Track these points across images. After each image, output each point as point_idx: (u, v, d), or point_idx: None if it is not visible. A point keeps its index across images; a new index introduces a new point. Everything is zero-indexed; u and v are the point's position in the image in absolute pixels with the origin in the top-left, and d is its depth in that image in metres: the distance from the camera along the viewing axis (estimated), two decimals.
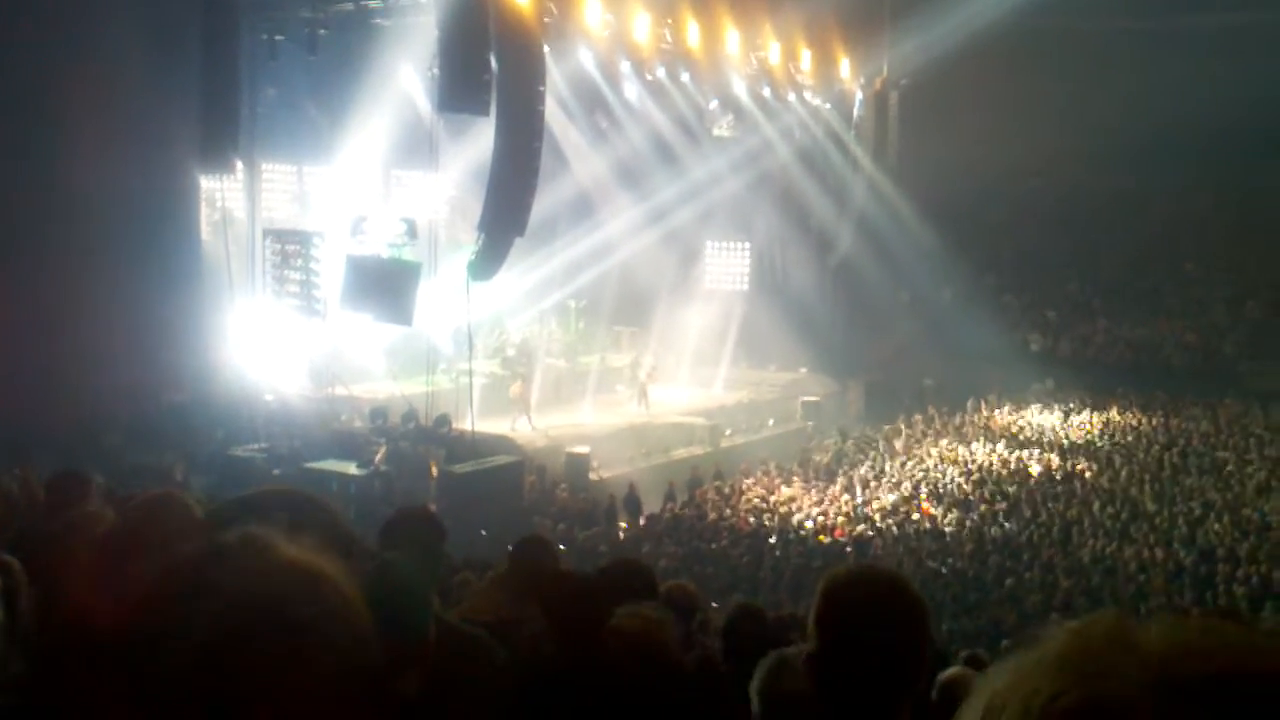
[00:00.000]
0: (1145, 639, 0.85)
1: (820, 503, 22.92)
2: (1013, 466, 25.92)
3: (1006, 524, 21.20)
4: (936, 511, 22.17)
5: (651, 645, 4.01)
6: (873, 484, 24.53)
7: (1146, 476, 24.35)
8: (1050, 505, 22.38)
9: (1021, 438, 29.22)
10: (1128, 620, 0.88)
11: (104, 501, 5.48)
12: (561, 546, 14.44)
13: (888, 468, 26.11)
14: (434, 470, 21.51)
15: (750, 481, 24.73)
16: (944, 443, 28.50)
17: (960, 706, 0.91)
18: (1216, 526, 20.52)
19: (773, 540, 20.00)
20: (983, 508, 22.25)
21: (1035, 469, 25.70)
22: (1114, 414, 31.54)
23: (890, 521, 21.60)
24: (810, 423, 31.51)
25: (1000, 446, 27.88)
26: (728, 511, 22.18)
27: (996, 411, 32.12)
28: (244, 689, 0.99)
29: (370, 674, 1.09)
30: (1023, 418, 31.52)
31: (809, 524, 21.20)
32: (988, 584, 17.60)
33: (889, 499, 23.19)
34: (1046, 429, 30.24)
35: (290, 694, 1.01)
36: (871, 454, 27.56)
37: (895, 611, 2.64)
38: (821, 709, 2.71)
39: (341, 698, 1.04)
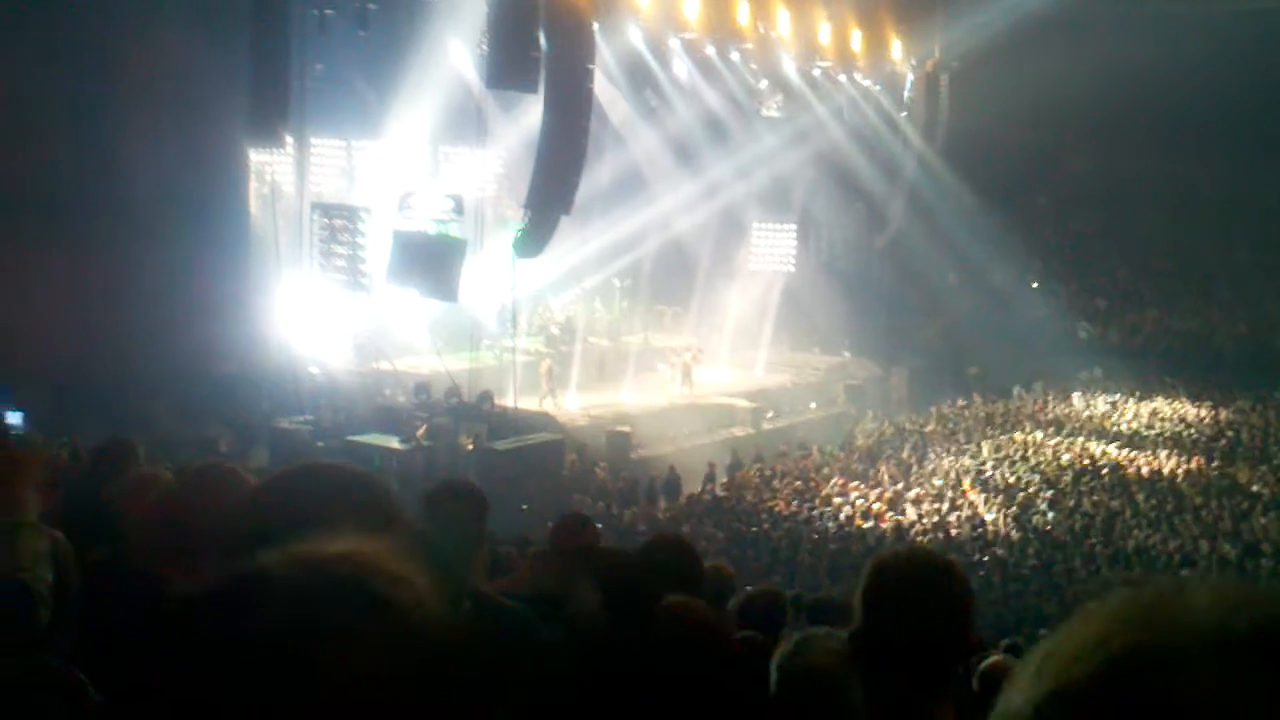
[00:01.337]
0: (1197, 596, 0.85)
1: (861, 488, 22.82)
2: (1056, 455, 25.71)
3: (1050, 513, 21.06)
4: (979, 499, 22.03)
5: (707, 626, 4.01)
6: (915, 470, 24.41)
7: (1193, 468, 24.10)
8: (1094, 495, 22.21)
9: (1068, 426, 28.97)
10: (1180, 581, 0.88)
11: (151, 469, 5.55)
12: (599, 525, 14.48)
13: (930, 453, 25.97)
14: (468, 445, 21.60)
15: (794, 465, 24.67)
16: (988, 430, 28.31)
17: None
18: (1262, 520, 20.30)
19: (813, 525, 19.96)
20: (1023, 495, 22.09)
21: (1074, 457, 25.48)
22: (1161, 404, 31.22)
23: (932, 507, 21.51)
24: (853, 407, 31.38)
25: (1046, 434, 27.66)
26: (768, 494, 22.16)
27: (1042, 400, 31.85)
28: (329, 659, 1.00)
29: (445, 650, 1.10)
30: (1070, 405, 31.25)
31: (849, 508, 21.13)
32: (1028, 573, 17.50)
33: (932, 485, 23.06)
34: (1095, 417, 29.97)
35: (369, 666, 1.02)
36: (913, 439, 27.43)
37: (940, 593, 2.65)
38: (850, 686, 2.72)
39: (417, 674, 1.05)
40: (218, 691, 0.99)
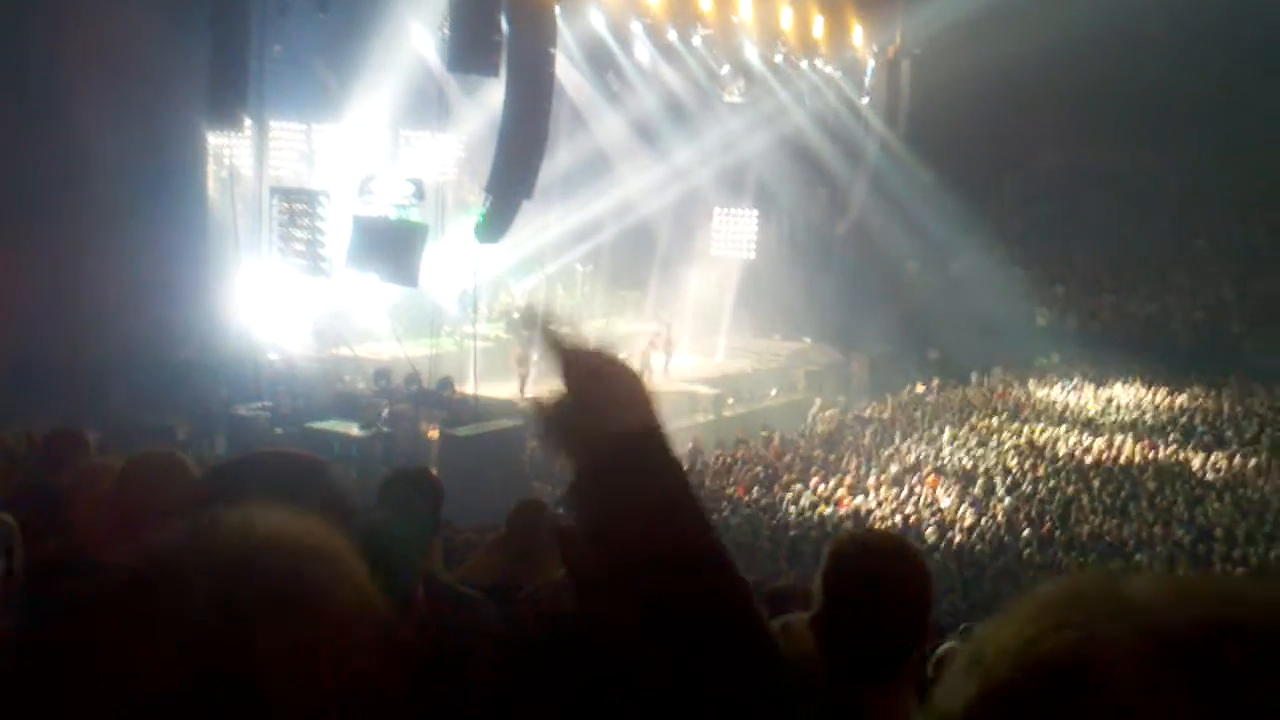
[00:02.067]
0: (1132, 590, 0.84)
1: (821, 474, 22.92)
2: (1014, 440, 25.91)
3: (1006, 499, 21.22)
4: (937, 485, 22.16)
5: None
6: (875, 456, 24.53)
7: (1148, 453, 24.37)
8: (1050, 481, 22.41)
9: (1025, 412, 29.22)
10: (1117, 574, 0.87)
11: (102, 459, 5.50)
12: (561, 510, 14.41)
13: (890, 440, 26.11)
14: (431, 435, 21.52)
15: (754, 452, 24.75)
16: (947, 416, 28.50)
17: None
18: (1216, 505, 20.55)
19: (772, 511, 20.04)
20: (981, 481, 22.26)
21: (1030, 443, 25.71)
22: (1118, 390, 31.52)
23: (891, 493, 21.63)
24: (814, 393, 31.49)
25: (1003, 420, 27.88)
26: (728, 481, 22.22)
27: (1000, 386, 32.11)
28: (255, 642, 0.98)
29: (379, 629, 1.09)
30: (1027, 391, 31.52)
31: (809, 495, 21.22)
32: (984, 559, 17.65)
33: (890, 471, 23.19)
34: (1053, 403, 30.24)
35: (304, 645, 1.00)
36: (873, 425, 27.58)
37: (899, 575, 2.70)
38: (820, 672, 2.73)
39: (351, 652, 1.04)
40: (124, 681, 0.97)
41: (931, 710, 0.88)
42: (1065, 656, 0.81)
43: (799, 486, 21.71)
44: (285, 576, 1.04)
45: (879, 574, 2.68)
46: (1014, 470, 23.20)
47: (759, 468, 23.12)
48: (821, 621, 2.70)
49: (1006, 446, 25.34)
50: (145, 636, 0.98)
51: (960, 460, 24.06)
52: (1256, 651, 0.78)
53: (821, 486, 21.72)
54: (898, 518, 19.99)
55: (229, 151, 25.63)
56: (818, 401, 30.38)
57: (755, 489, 21.61)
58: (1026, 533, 19.04)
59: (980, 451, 24.75)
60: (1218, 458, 24.24)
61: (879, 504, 20.99)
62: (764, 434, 26.24)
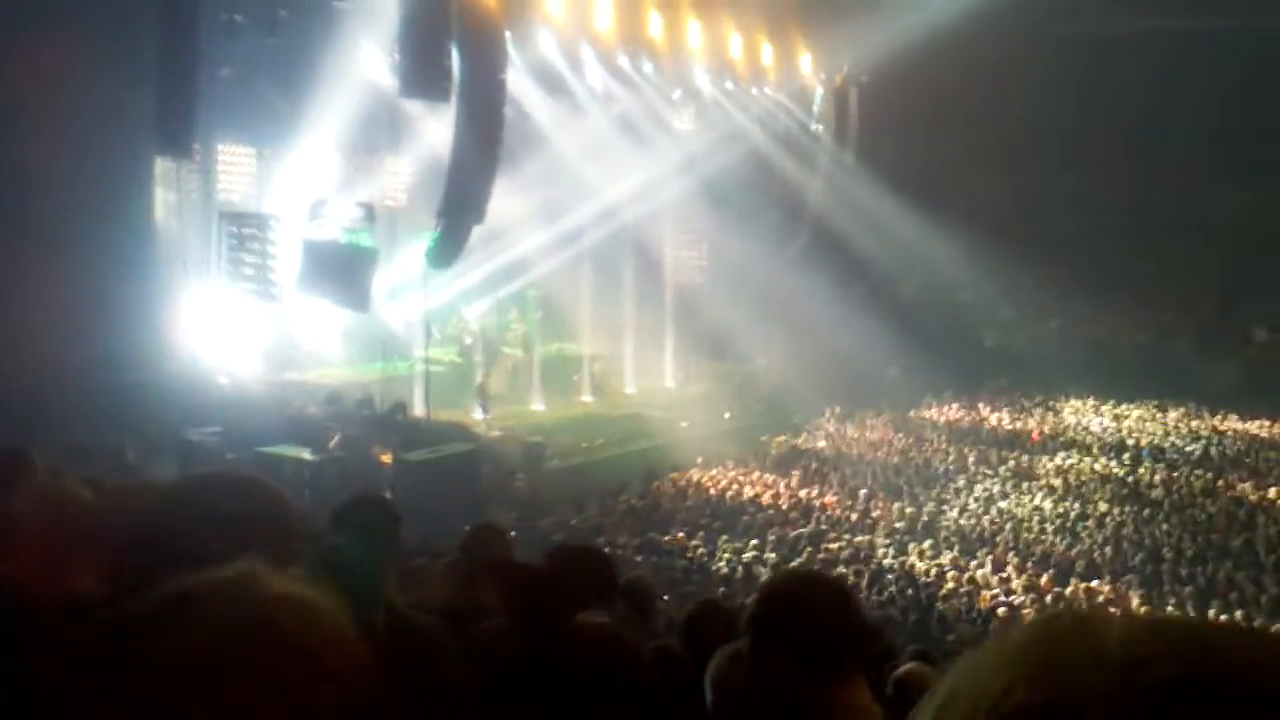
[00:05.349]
0: (1107, 636, 0.82)
1: (775, 495, 22.96)
2: (969, 461, 26.14)
3: (960, 519, 21.36)
4: (892, 506, 22.21)
5: (616, 643, 3.99)
6: (828, 476, 24.62)
7: (1099, 472, 24.66)
8: (1002, 502, 22.60)
9: (976, 435, 29.50)
10: (1090, 617, 0.86)
11: (54, 481, 5.41)
12: (513, 533, 14.39)
13: (844, 461, 26.25)
14: (384, 459, 21.40)
15: (708, 474, 24.77)
16: (899, 437, 28.71)
17: (918, 703, 0.90)
18: (1165, 526, 20.80)
19: (729, 533, 20.02)
20: (932, 504, 22.41)
21: (982, 463, 25.94)
22: (1066, 412, 31.88)
23: (844, 514, 21.70)
24: (766, 415, 31.58)
25: (952, 441, 28.14)
26: (684, 503, 22.22)
27: (948, 408, 32.42)
28: (239, 707, 0.98)
29: (368, 701, 1.08)
30: (977, 414, 31.83)
31: (763, 516, 21.23)
32: (933, 581, 17.71)
33: (845, 492, 23.27)
34: (1002, 427, 30.56)
35: (286, 714, 1.00)
36: (824, 445, 27.74)
37: (815, 602, 2.81)
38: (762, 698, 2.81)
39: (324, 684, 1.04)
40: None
41: None
42: (1040, 711, 0.79)
43: (752, 510, 21.67)
44: (281, 630, 1.04)
45: (793, 604, 2.87)
46: (968, 490, 23.37)
47: (712, 490, 23.15)
48: (750, 653, 2.85)
49: (961, 467, 25.59)
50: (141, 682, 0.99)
51: (912, 481, 24.21)
52: (1239, 710, 0.77)
53: (773, 510, 21.74)
54: (853, 535, 19.98)
55: (178, 175, 25.42)
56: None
57: (709, 512, 21.58)
58: (980, 552, 19.13)
59: (934, 470, 24.94)
60: (1166, 477, 24.58)
61: (831, 524, 21.02)
62: (719, 458, 26.22)
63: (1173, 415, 31.55)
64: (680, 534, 19.72)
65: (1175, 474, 24.92)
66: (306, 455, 20.80)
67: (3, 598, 3.19)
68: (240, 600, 1.08)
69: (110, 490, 3.36)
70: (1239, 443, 28.40)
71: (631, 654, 4.00)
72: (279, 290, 23.28)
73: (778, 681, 2.78)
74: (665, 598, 11.84)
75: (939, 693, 0.86)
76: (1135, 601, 16.69)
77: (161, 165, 24.91)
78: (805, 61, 33.48)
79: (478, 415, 26.46)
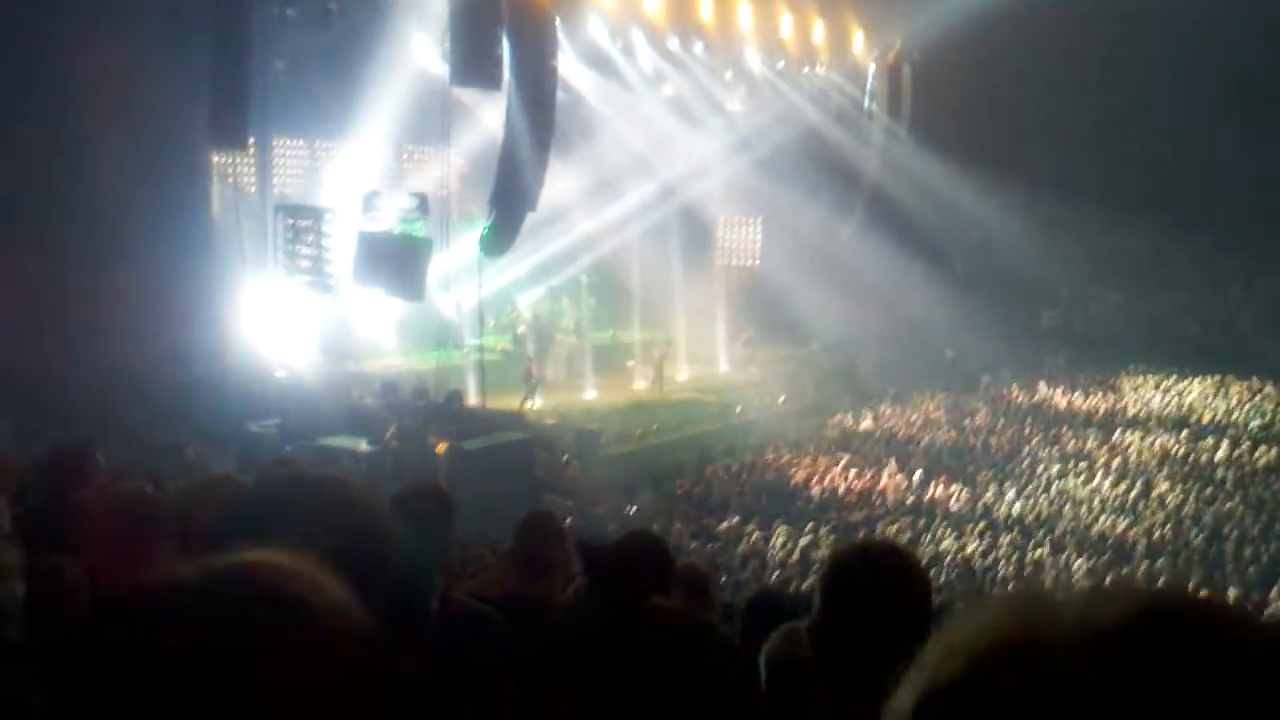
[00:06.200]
0: (1070, 594, 0.92)
1: (830, 479, 22.86)
2: (1030, 441, 25.91)
3: (1017, 503, 21.14)
4: (952, 488, 22.04)
5: (695, 626, 3.99)
6: (886, 460, 24.47)
7: (1160, 451, 24.37)
8: (1061, 481, 22.38)
9: (1039, 414, 29.21)
10: (1050, 589, 0.95)
11: (114, 474, 5.51)
12: (569, 520, 14.49)
13: (900, 443, 26.09)
14: (440, 449, 21.52)
15: (763, 459, 24.71)
16: (956, 416, 28.49)
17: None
18: (1228, 505, 20.50)
19: (787, 516, 19.97)
20: (993, 485, 22.21)
21: (1041, 444, 25.70)
22: (1127, 390, 31.49)
23: (901, 496, 21.60)
24: (822, 398, 31.42)
25: (1011, 421, 27.89)
26: (738, 489, 22.19)
27: (1008, 388, 32.10)
28: (241, 662, 1.02)
29: (367, 651, 1.12)
30: (1037, 393, 31.52)
31: (818, 499, 21.19)
32: (997, 561, 17.58)
33: (902, 475, 23.12)
34: (1063, 404, 30.24)
35: (287, 666, 1.04)
36: (881, 427, 27.60)
37: (896, 584, 2.69)
38: (823, 678, 2.75)
39: (338, 673, 1.07)
40: (128, 703, 1.01)
41: (887, 713, 0.93)
42: (1007, 650, 0.87)
43: (810, 493, 21.63)
44: (281, 606, 1.08)
45: (873, 583, 2.69)
46: (1026, 472, 23.17)
47: (768, 474, 23.10)
48: (820, 630, 2.71)
49: (1016, 448, 25.37)
50: (135, 671, 1.02)
51: (968, 462, 24.04)
52: (1187, 639, 0.85)
53: (830, 493, 21.68)
54: (912, 518, 19.89)
55: (233, 169, 25.71)
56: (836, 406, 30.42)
57: (765, 496, 21.55)
58: (1041, 534, 18.96)
59: (993, 451, 24.76)
60: (1228, 453, 24.25)
61: (888, 509, 20.92)
62: (773, 442, 26.15)
63: (1234, 391, 31.05)
64: (735, 519, 19.67)
65: (1237, 451, 24.54)
66: (363, 446, 20.99)
67: (79, 588, 3.27)
68: (245, 576, 1.13)
69: (182, 487, 3.42)
70: None
71: (710, 639, 4.01)
72: (335, 282, 23.48)
73: (846, 655, 2.69)
74: (724, 580, 11.85)
75: (921, 654, 0.94)
76: (1194, 582, 16.41)
77: (217, 160, 25.20)
78: (858, 40, 33.21)
79: (528, 404, 26.54)
